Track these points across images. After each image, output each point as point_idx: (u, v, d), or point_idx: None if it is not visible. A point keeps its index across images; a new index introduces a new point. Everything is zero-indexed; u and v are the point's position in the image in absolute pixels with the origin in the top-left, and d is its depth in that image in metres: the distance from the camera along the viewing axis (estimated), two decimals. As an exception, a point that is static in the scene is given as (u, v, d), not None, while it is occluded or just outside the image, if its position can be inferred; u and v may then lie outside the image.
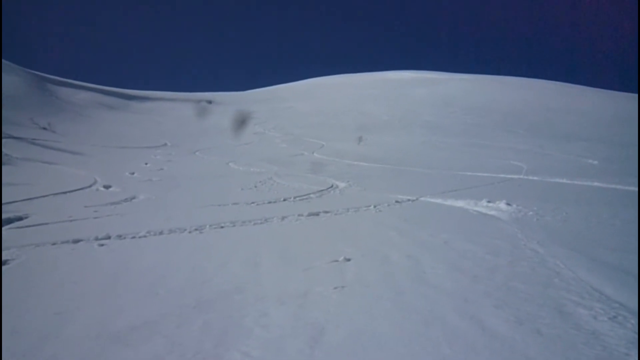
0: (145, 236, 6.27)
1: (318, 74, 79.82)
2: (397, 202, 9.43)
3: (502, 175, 14.10)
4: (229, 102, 51.70)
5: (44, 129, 25.81)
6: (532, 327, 3.27)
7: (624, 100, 49.07)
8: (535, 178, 13.67)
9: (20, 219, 7.19)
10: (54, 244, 5.72)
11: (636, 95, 52.26)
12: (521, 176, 14.16)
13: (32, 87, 38.98)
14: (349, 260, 5.01)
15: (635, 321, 3.36)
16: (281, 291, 4.07)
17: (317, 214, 8.03)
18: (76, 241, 5.85)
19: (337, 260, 4.98)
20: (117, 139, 25.85)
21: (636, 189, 10.90)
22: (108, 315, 3.55)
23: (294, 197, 10.04)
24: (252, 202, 9.31)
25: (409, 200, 9.69)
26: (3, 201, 8.20)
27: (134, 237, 6.18)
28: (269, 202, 9.44)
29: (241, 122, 36.83)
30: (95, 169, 14.21)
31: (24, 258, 5.10)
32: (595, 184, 12.11)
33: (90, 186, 11.20)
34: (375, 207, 8.79)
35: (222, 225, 7.00)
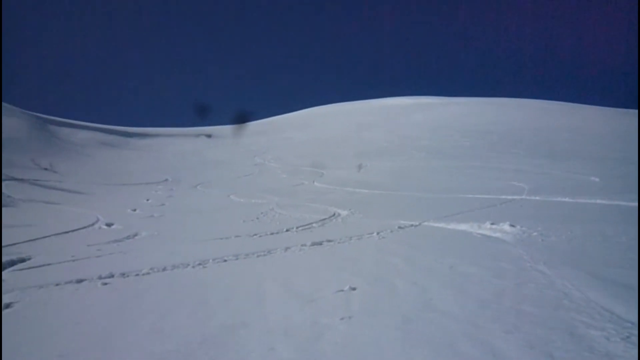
0: (148, 273, 6.22)
1: (315, 103, 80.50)
2: (400, 227, 9.39)
3: (503, 197, 14.07)
4: (228, 135, 52.02)
5: (45, 169, 25.92)
6: (544, 351, 3.21)
7: (619, 117, 49.36)
8: (537, 198, 13.64)
9: (23, 260, 7.15)
10: (57, 284, 5.67)
11: (632, 111, 52.62)
12: (523, 197, 14.13)
13: (33, 128, 39.28)
14: (354, 289, 4.96)
15: (648, 340, 3.31)
16: (287, 324, 4.02)
17: (320, 244, 7.99)
18: (79, 281, 5.81)
19: (342, 290, 4.93)
20: (118, 176, 25.92)
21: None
22: (112, 355, 3.50)
23: (297, 227, 10.01)
24: (255, 234, 9.28)
25: (411, 225, 9.65)
26: (6, 243, 8.17)
27: (137, 275, 6.14)
28: (272, 233, 9.40)
29: (242, 120, 37.21)
30: (97, 208, 14.21)
31: (27, 300, 5.06)
32: (598, 201, 12.07)
33: (92, 225, 11.18)
34: (378, 234, 8.75)
35: (225, 258, 6.96)
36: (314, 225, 10.46)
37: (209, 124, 60.94)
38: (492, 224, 8.80)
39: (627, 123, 43.39)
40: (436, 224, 9.71)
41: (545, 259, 5.93)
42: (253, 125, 59.90)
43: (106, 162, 33.50)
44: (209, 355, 3.43)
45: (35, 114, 47.39)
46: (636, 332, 3.46)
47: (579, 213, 10.48)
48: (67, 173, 25.85)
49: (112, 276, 6.03)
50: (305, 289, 5.13)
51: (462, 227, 9.14)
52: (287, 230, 9.72)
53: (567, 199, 12.83)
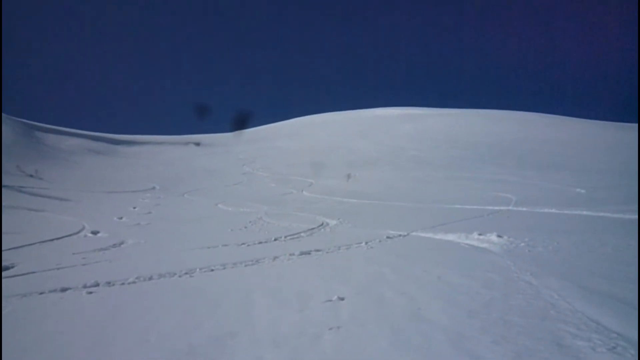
0: (134, 282, 6.15)
1: (304, 112, 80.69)
2: (388, 237, 9.40)
3: (491, 207, 14.17)
4: (216, 143, 51.91)
5: (31, 176, 25.59)
6: (532, 362, 3.22)
7: (606, 129, 50.03)
8: (524, 209, 13.75)
9: (6, 268, 7.04)
10: (41, 293, 5.59)
11: (618, 124, 53.38)
12: (510, 207, 14.24)
13: (19, 135, 38.89)
14: (342, 299, 4.94)
15: (634, 351, 3.33)
16: (275, 334, 3.99)
17: (308, 253, 7.97)
18: (64, 290, 5.73)
19: (330, 300, 4.91)
20: (105, 184, 25.68)
21: (624, 216, 10.99)
22: (97, 366, 3.44)
23: (285, 237, 9.98)
24: (243, 243, 9.23)
25: (400, 235, 9.67)
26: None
27: (123, 284, 6.07)
28: (260, 243, 9.36)
29: (242, 121, 37.17)
30: (83, 215, 14.05)
31: (10, 309, 4.97)
32: (584, 212, 12.20)
33: (78, 232, 11.05)
34: (366, 243, 8.76)
35: (213, 268, 6.91)
36: (302, 234, 10.44)
37: (198, 132, 60.86)
38: (479, 234, 8.86)
39: (614, 135, 44.01)
40: (424, 234, 9.74)
41: (532, 270, 5.97)
42: (242, 134, 59.85)
43: (93, 169, 33.21)
44: (195, 366, 3.39)
45: (21, 120, 46.96)
46: (622, 343, 3.48)
47: (565, 224, 10.58)
48: (53, 180, 25.57)
49: (97, 285, 5.95)
50: (293, 298, 5.10)
51: (450, 237, 9.18)
52: (275, 240, 9.68)
53: (553, 210, 12.95)
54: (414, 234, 9.85)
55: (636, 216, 10.62)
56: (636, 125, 46.40)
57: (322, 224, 12.01)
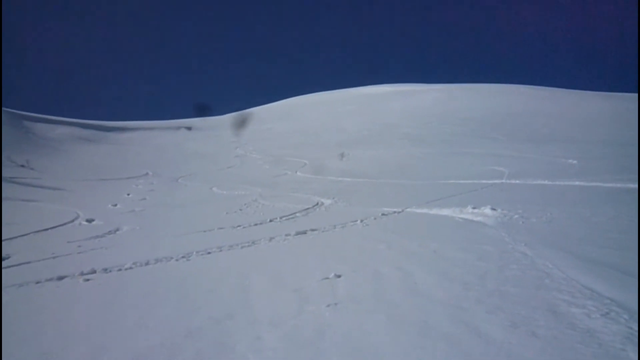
0: (131, 268, 6.16)
1: (295, 93, 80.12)
2: (383, 215, 9.43)
3: (484, 181, 14.22)
4: (208, 127, 51.55)
5: (22, 166, 25.38)
6: (527, 330, 3.27)
7: (596, 100, 50.10)
8: (517, 182, 13.81)
9: (1, 259, 7.02)
10: (37, 282, 5.58)
11: (609, 94, 53.43)
12: (503, 180, 14.29)
13: (8, 125, 38.42)
14: (339, 276, 4.97)
15: (627, 316, 3.38)
16: (273, 313, 4.01)
17: (304, 233, 8.00)
18: (61, 278, 5.72)
19: (327, 278, 4.94)
20: (97, 171, 25.54)
21: (616, 185, 11.07)
22: (96, 353, 3.45)
23: (280, 217, 9.99)
24: (239, 226, 9.24)
25: (394, 212, 9.70)
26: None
27: (119, 270, 6.07)
28: (255, 224, 9.37)
29: (242, 122, 37.20)
30: (77, 204, 13.99)
31: (7, 299, 4.96)
32: (576, 183, 12.27)
33: (72, 221, 11.02)
34: (361, 221, 8.79)
35: (209, 251, 6.92)
36: (297, 214, 10.46)
37: (189, 116, 60.30)
38: (473, 208, 8.90)
39: (604, 106, 44.08)
40: (419, 210, 9.77)
41: (526, 241, 6.02)
42: (233, 117, 59.47)
43: (84, 157, 32.97)
44: (195, 348, 3.41)
45: (9, 109, 46.36)
46: (615, 308, 3.53)
47: (558, 195, 10.66)
48: (45, 170, 25.39)
49: (94, 272, 5.95)
50: (290, 278, 5.13)
51: (445, 212, 9.22)
52: (270, 221, 9.70)
53: (546, 182, 13.02)
54: (408, 210, 9.89)
55: (628, 185, 10.70)
56: (626, 94, 46.54)
57: (317, 204, 12.03)
